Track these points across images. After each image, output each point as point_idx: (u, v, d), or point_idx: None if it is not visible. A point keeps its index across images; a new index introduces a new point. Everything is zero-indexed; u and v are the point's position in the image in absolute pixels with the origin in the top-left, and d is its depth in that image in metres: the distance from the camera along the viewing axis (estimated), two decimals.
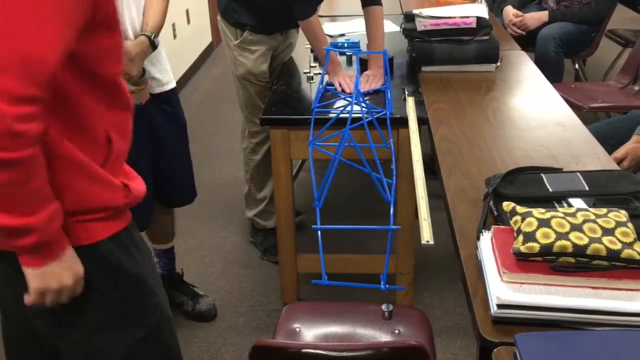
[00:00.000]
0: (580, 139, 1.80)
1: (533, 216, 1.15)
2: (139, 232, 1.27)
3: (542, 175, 1.45)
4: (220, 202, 3.15)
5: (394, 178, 1.59)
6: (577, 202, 1.32)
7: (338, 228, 1.52)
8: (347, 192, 3.15)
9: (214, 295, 2.48)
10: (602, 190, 1.37)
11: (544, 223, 1.12)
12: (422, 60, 2.38)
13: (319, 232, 1.47)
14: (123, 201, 1.16)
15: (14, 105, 0.93)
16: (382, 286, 1.38)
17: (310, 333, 1.53)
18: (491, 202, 1.38)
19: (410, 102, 2.11)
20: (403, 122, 2.01)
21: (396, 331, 1.53)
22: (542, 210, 1.17)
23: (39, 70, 0.95)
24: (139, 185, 1.23)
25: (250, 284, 2.56)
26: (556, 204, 1.34)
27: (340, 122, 1.98)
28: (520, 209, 1.19)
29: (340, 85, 2.25)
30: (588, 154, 1.71)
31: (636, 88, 3.18)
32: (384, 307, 1.45)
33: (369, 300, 2.23)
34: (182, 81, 4.63)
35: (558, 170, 1.50)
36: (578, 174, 1.44)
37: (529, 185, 1.41)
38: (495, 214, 1.36)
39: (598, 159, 1.68)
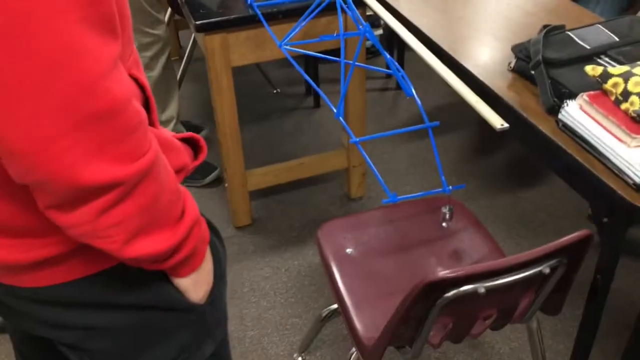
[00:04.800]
0: None
1: (637, 75, 1.11)
2: None
3: (569, 33, 1.41)
4: None
5: (401, 70, 1.44)
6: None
7: (377, 137, 1.36)
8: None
9: None
10: (630, 39, 1.38)
11: None
12: None
13: (358, 144, 1.30)
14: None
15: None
16: (445, 189, 1.30)
17: (368, 250, 1.40)
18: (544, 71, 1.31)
19: None
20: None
21: (444, 224, 1.47)
22: (628, 67, 1.14)
23: None
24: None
25: None
26: (599, 61, 1.32)
27: (291, 14, 1.74)
28: (614, 69, 1.15)
29: None
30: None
31: None
32: (444, 209, 1.38)
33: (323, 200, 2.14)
34: None
35: (562, 27, 1.48)
36: (599, 25, 1.43)
37: (566, 45, 1.37)
38: (549, 81, 1.30)
39: None
